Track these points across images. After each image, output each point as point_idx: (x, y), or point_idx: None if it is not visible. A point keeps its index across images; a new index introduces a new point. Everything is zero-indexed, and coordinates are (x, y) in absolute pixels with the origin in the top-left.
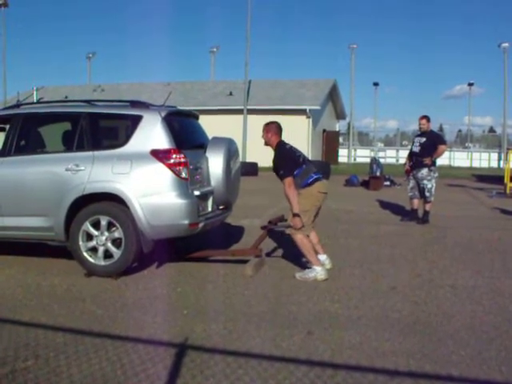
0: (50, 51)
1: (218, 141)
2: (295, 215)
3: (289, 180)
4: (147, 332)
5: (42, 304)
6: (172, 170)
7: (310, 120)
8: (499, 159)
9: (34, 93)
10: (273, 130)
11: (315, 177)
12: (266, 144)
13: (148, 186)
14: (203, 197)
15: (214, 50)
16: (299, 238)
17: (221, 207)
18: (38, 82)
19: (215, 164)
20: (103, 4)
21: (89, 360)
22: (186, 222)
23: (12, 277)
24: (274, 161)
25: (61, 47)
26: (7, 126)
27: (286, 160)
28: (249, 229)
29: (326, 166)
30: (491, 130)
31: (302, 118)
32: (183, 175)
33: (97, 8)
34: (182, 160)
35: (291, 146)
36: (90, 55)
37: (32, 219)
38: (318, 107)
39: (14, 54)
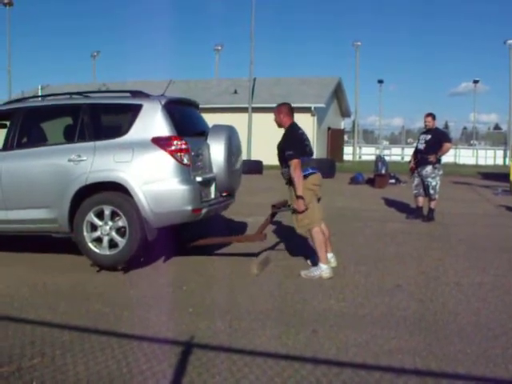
0: (55, 50)
1: (218, 128)
2: (299, 197)
3: (296, 161)
4: (153, 330)
5: (47, 302)
6: (174, 157)
7: (315, 118)
8: (505, 156)
9: (39, 91)
10: (285, 111)
11: (311, 171)
12: (280, 126)
13: (150, 174)
14: (205, 183)
15: (219, 48)
16: (316, 231)
17: (224, 194)
18: (43, 81)
19: (217, 151)
20: (108, 2)
21: (95, 358)
22: (189, 207)
23: (17, 275)
24: (283, 140)
25: (65, 46)
26: (9, 121)
27: (296, 142)
28: (253, 226)
29: (330, 163)
30: (496, 127)
31: (307, 116)
32: (185, 161)
33: (101, 6)
34: (184, 146)
35: (303, 132)
36: (95, 54)
37: (36, 211)
38: (322, 105)
39: (18, 52)
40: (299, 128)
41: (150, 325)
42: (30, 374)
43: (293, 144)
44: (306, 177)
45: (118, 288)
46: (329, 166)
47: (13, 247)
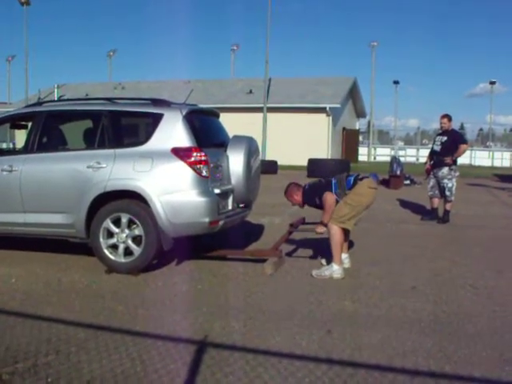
0: (71, 49)
1: (238, 139)
2: (322, 224)
3: (327, 193)
4: (167, 329)
5: (62, 300)
6: (193, 168)
7: (330, 118)
8: None
9: (55, 90)
10: (294, 191)
11: (354, 176)
12: (300, 205)
13: (169, 184)
14: (223, 195)
15: (235, 48)
16: (335, 229)
17: (241, 205)
18: (59, 80)
19: (236, 162)
20: (124, 2)
21: (109, 356)
22: (207, 219)
23: (33, 273)
24: (308, 203)
25: (82, 45)
26: (29, 124)
27: (314, 190)
28: (268, 227)
29: (345, 164)
30: None
31: (322, 116)
32: (204, 173)
33: (118, 6)
34: (203, 158)
35: (309, 184)
36: (111, 53)
37: (53, 216)
38: (338, 105)
39: (35, 51)
40: (305, 185)
41: (165, 323)
42: (45, 370)
43: (314, 194)
44: (355, 183)
45: (132, 287)
46: (343, 167)
47: (29, 246)
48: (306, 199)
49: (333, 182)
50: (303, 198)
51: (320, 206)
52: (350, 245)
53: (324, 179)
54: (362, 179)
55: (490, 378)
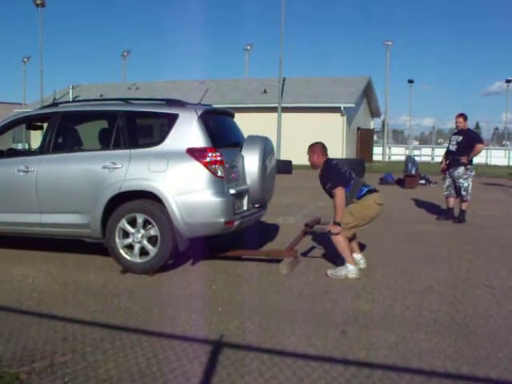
0: (86, 50)
1: (253, 139)
2: (336, 223)
3: (339, 189)
4: (182, 329)
5: (78, 300)
6: (208, 169)
7: (345, 118)
8: None
9: (70, 91)
10: (318, 151)
11: (367, 189)
12: (314, 167)
13: (184, 184)
14: (239, 195)
15: (249, 47)
16: (337, 237)
17: (256, 205)
18: (74, 81)
19: (251, 162)
20: (138, 2)
21: (125, 355)
22: (222, 220)
23: (49, 273)
24: (321, 176)
25: (96, 46)
26: (45, 125)
27: (333, 173)
28: (283, 227)
29: (360, 163)
30: None
31: (337, 116)
32: (219, 173)
33: (131, 7)
34: (218, 158)
35: (337, 162)
36: (125, 53)
37: (69, 216)
38: (352, 105)
39: (49, 52)
40: (332, 159)
41: (180, 323)
42: (61, 370)
43: (331, 176)
44: (364, 195)
45: (147, 287)
46: (358, 167)
47: (45, 246)
48: (324, 171)
49: (352, 183)
50: (322, 167)
51: (325, 189)
52: (362, 246)
53: (349, 172)
54: (371, 192)
55: (507, 379)
